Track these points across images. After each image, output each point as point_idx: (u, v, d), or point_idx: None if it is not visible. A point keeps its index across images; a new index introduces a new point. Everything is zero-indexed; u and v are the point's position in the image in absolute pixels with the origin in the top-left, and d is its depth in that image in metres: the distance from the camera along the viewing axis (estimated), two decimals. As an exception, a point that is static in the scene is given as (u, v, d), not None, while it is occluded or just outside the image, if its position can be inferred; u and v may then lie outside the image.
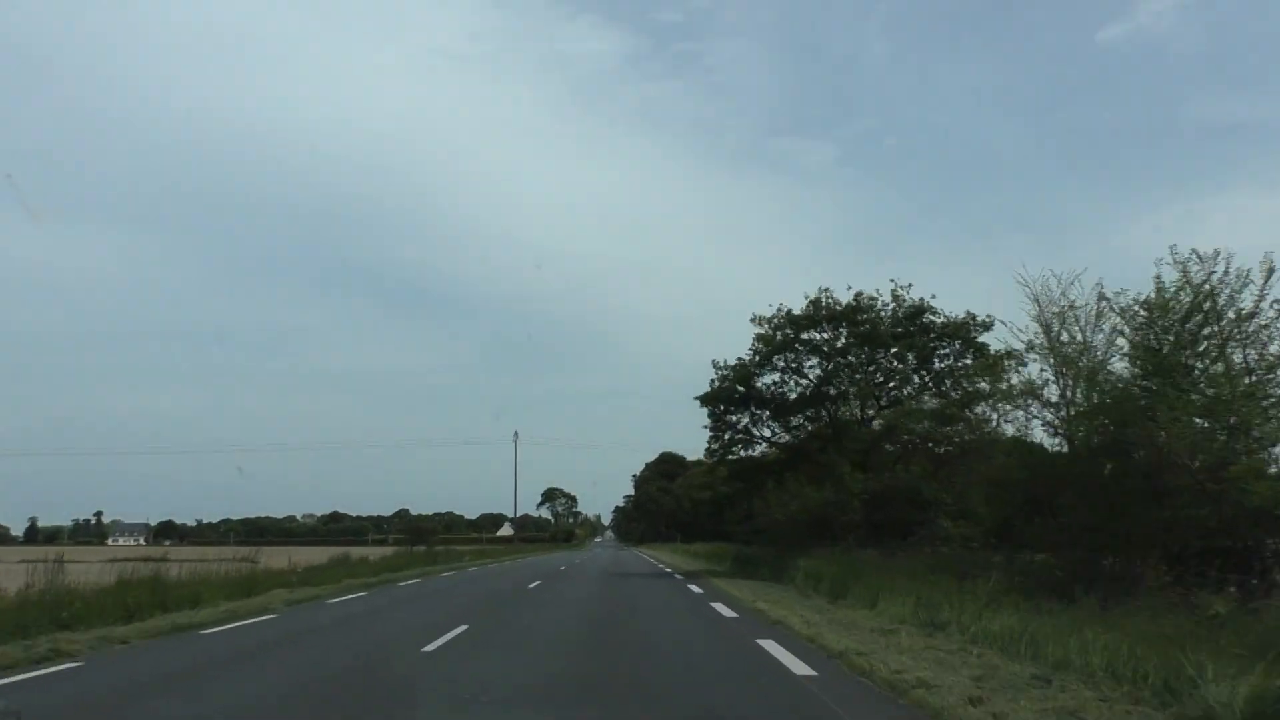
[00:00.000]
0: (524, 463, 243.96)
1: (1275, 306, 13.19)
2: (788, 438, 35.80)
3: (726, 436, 36.15)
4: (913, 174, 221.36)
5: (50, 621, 12.92)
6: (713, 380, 35.80)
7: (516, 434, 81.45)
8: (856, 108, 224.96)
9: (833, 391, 34.03)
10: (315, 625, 15.44)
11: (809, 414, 34.92)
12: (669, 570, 38.97)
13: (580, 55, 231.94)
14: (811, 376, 34.53)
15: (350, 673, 10.15)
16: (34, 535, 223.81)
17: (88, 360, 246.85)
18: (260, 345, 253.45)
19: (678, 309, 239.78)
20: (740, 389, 35.23)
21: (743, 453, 36.27)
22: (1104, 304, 15.35)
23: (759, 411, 35.64)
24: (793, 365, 34.76)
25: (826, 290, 33.31)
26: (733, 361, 35.60)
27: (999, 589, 13.80)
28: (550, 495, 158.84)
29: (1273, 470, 13.16)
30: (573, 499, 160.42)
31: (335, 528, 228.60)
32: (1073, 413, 16.14)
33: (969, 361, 30.20)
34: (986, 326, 30.48)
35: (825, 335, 33.80)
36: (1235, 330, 13.45)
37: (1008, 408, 17.70)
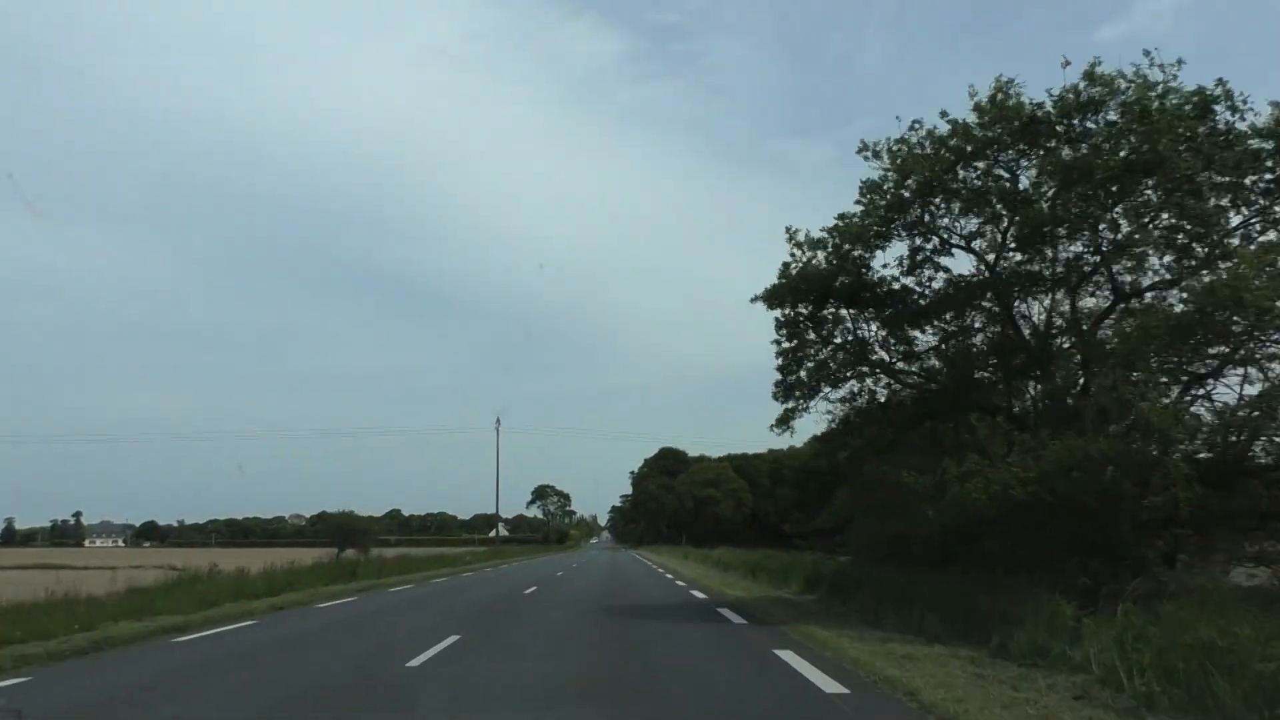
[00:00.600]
0: (519, 462, 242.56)
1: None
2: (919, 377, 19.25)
3: (813, 363, 19.26)
4: None
5: None
6: (789, 265, 18.50)
7: (499, 420, 72.93)
8: (855, 109, 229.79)
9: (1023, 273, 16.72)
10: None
11: (963, 321, 18.28)
12: (701, 595, 23.68)
13: (578, 55, 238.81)
14: (978, 249, 17.11)
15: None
16: (11, 536, 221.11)
17: (79, 359, 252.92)
18: (254, 344, 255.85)
19: (675, 308, 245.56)
20: (844, 277, 18.02)
21: (844, 397, 19.90)
22: None
23: (865, 319, 18.90)
24: (935, 231, 17.14)
25: (1008, 83, 15.27)
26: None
27: None
28: (541, 493, 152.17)
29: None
30: (565, 497, 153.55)
31: (323, 528, 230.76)
32: None
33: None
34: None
35: (1005, 164, 15.87)
36: None
37: None
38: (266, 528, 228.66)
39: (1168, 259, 14.95)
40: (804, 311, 18.84)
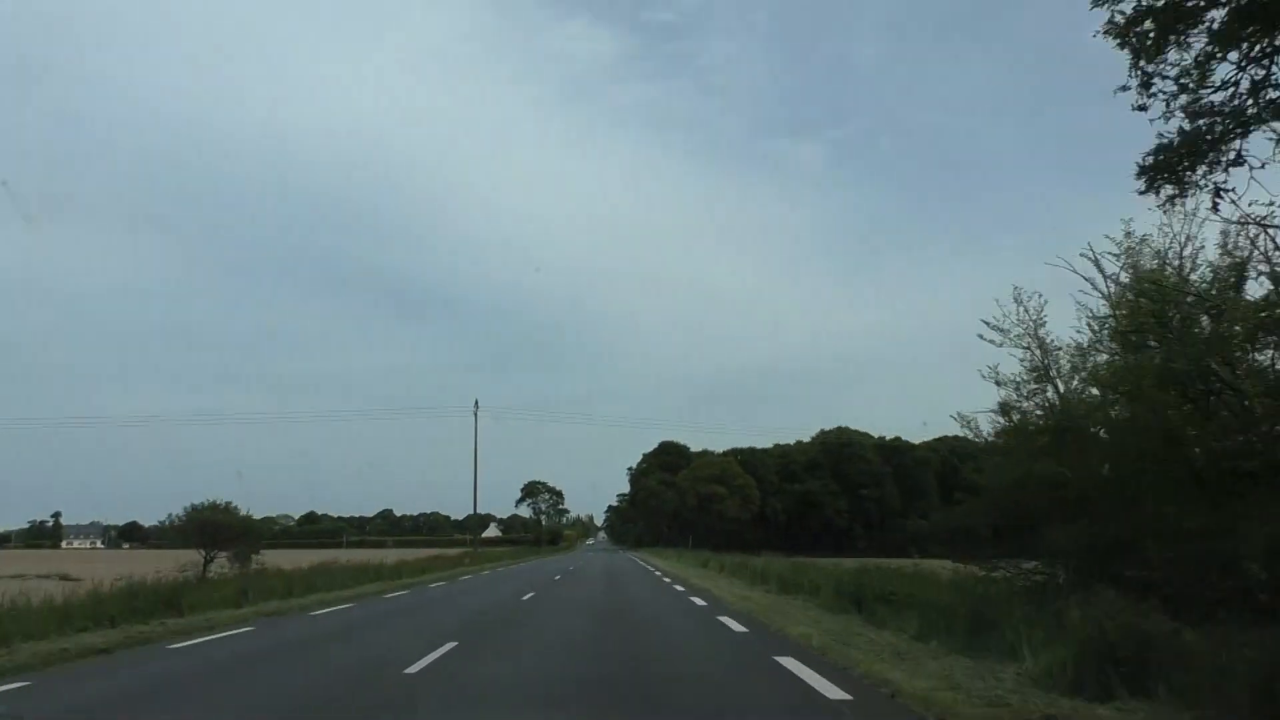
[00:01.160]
0: (512, 460, 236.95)
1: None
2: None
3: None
4: (907, 175, 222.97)
5: None
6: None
7: (477, 403, 64.89)
8: (850, 108, 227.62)
9: None
10: None
11: None
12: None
13: (572, 55, 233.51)
14: None
15: None
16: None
17: (72, 358, 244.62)
18: (249, 344, 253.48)
19: (671, 308, 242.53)
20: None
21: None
22: None
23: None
24: None
25: None
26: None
27: None
28: (531, 490, 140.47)
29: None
30: (558, 494, 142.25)
31: (311, 529, 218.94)
32: None
33: None
34: None
35: None
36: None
37: None
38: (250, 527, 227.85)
39: None
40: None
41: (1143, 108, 8.63)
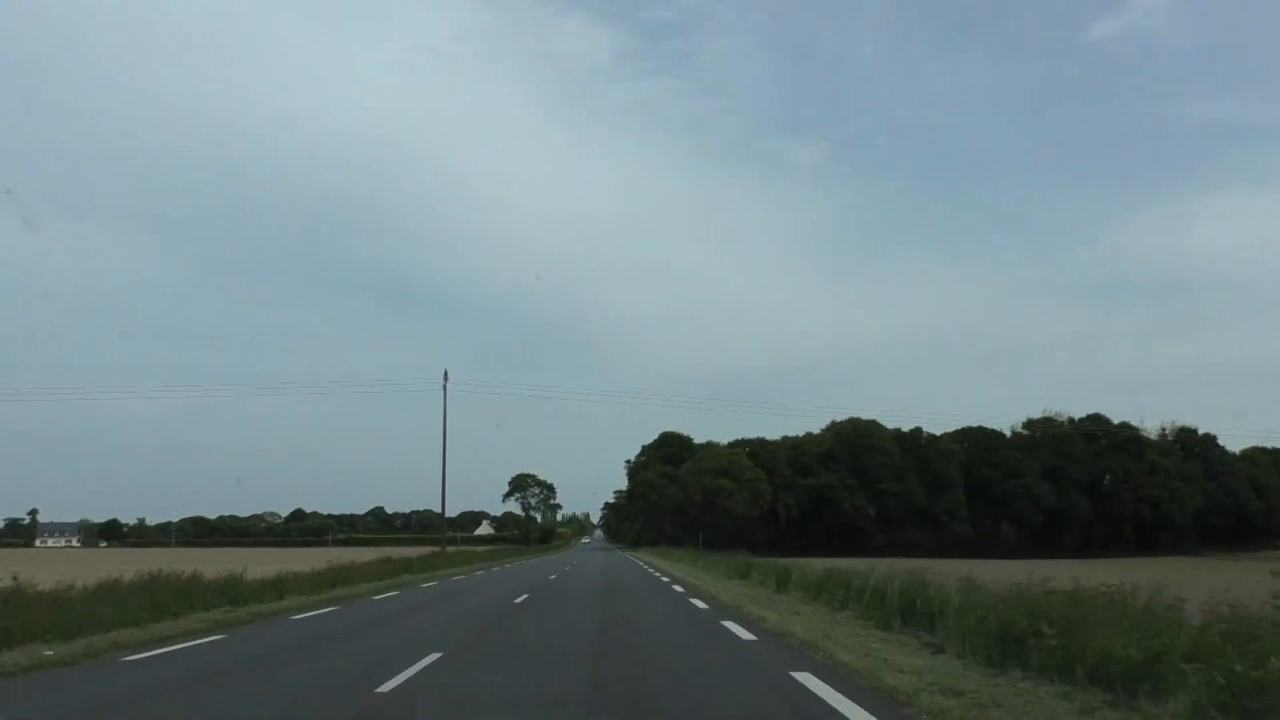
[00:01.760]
0: (507, 458, 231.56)
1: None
2: None
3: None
4: (905, 173, 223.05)
5: None
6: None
7: (446, 374, 55.15)
8: (849, 107, 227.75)
9: None
10: None
11: None
12: None
13: (571, 53, 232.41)
14: None
15: None
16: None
17: (65, 356, 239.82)
18: (244, 343, 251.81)
19: (669, 306, 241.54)
20: None
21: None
22: None
23: None
24: None
25: None
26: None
27: None
28: (520, 483, 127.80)
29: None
30: (549, 488, 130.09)
31: (297, 526, 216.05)
32: None
33: None
34: None
35: None
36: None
37: None
38: (237, 526, 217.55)
39: None
40: None
41: None
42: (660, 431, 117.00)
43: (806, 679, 9.45)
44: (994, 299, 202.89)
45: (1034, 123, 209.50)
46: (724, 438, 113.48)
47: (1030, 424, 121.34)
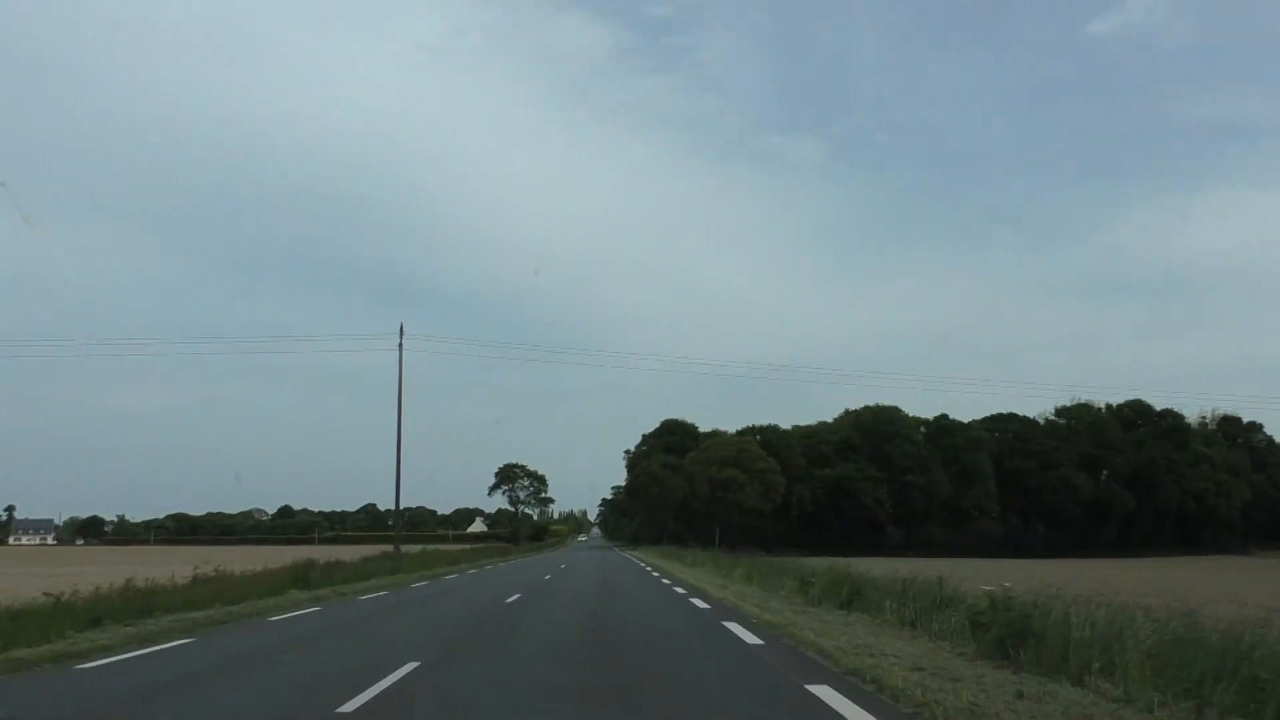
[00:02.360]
0: (499, 455, 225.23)
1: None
2: None
3: None
4: (904, 171, 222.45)
5: None
6: None
7: (402, 329, 45.25)
8: (848, 105, 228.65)
9: None
10: None
11: None
12: None
13: (569, 50, 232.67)
14: None
15: None
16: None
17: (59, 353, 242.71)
18: (238, 341, 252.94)
19: (668, 303, 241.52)
20: None
21: None
22: None
23: None
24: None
25: None
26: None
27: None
28: (507, 475, 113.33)
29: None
30: (540, 480, 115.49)
31: (284, 524, 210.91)
32: None
33: None
34: None
35: None
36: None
37: None
38: (223, 524, 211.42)
39: None
40: None
41: None
42: (662, 420, 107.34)
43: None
44: (993, 297, 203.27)
45: (1033, 120, 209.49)
46: (731, 427, 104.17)
47: (1063, 411, 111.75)
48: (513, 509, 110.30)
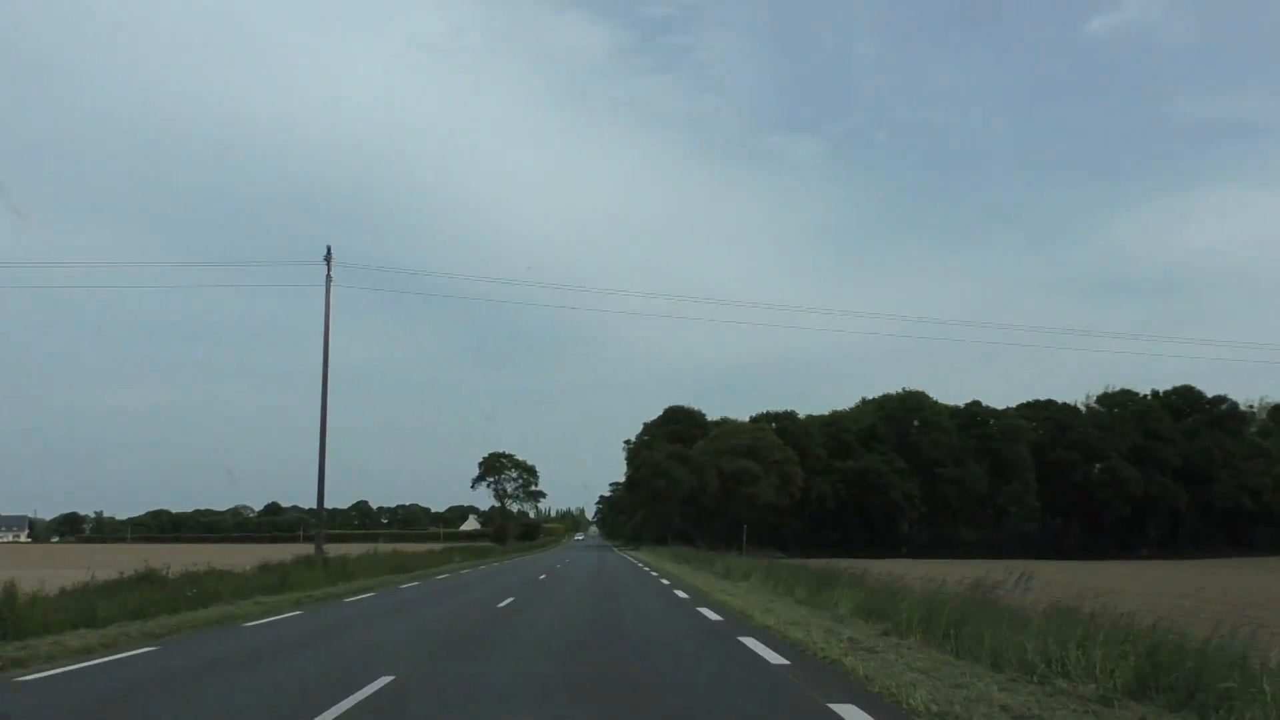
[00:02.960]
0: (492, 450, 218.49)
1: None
2: None
3: None
4: (903, 170, 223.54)
5: None
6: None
7: (329, 251, 35.01)
8: (847, 104, 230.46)
9: None
10: None
11: None
12: None
13: (568, 49, 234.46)
14: None
15: None
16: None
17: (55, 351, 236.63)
18: (235, 338, 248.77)
19: (667, 302, 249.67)
20: None
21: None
22: None
23: None
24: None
25: None
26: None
27: None
28: (492, 466, 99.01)
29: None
30: (530, 472, 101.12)
31: (271, 521, 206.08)
32: None
33: None
34: None
35: None
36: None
37: None
38: (205, 521, 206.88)
39: None
40: None
41: None
42: (666, 407, 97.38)
43: None
44: (992, 296, 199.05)
45: (1032, 119, 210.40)
46: (740, 417, 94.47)
47: (1105, 399, 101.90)
48: (499, 503, 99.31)
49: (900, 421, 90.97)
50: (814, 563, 28.28)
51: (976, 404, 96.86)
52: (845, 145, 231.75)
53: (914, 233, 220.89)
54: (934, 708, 6.90)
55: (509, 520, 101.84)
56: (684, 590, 21.29)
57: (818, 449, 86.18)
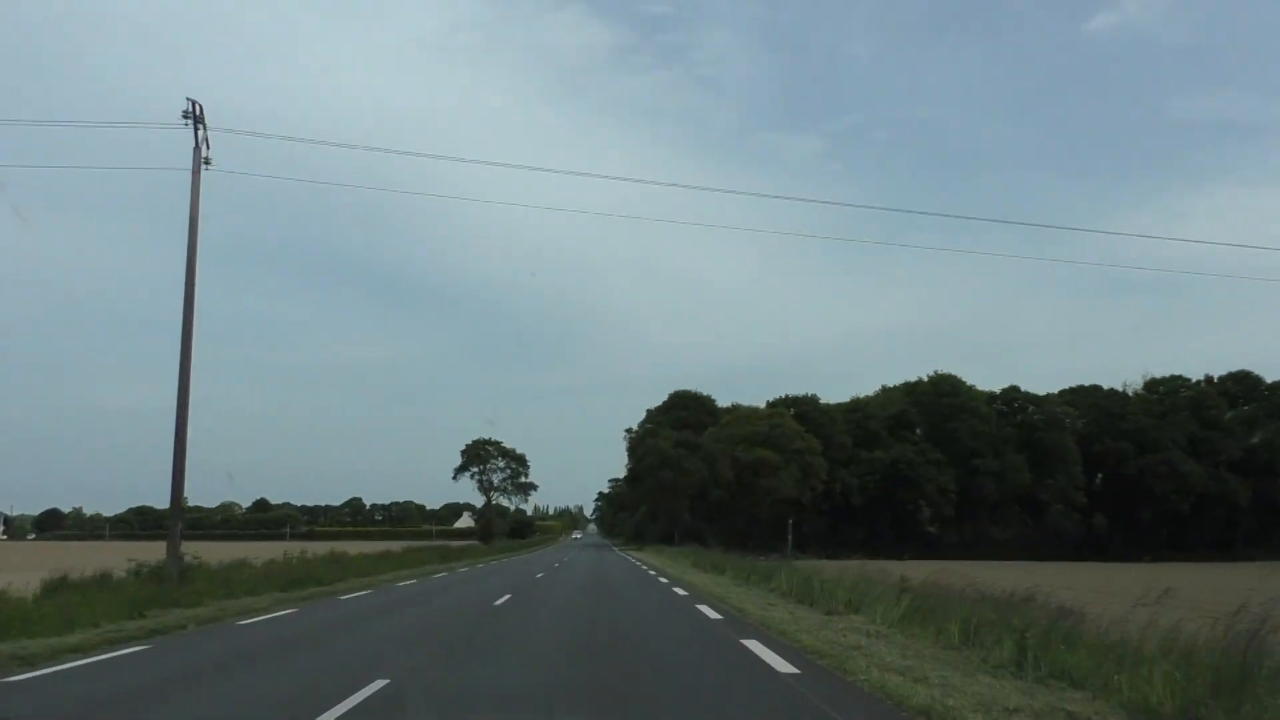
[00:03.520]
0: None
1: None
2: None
3: None
4: (900, 168, 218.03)
5: None
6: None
7: (195, 107, 25.03)
8: (845, 101, 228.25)
9: None
10: None
11: None
12: None
13: (566, 46, 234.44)
14: None
15: None
16: None
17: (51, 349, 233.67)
18: (233, 335, 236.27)
19: (665, 301, 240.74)
20: None
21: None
22: None
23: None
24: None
25: None
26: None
27: None
28: (476, 454, 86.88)
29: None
30: (520, 461, 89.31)
31: (259, 518, 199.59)
32: None
33: None
34: None
35: None
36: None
37: None
38: (188, 518, 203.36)
39: None
40: None
41: None
42: (671, 392, 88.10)
43: None
44: (990, 294, 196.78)
45: (1028, 118, 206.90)
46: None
47: (1153, 385, 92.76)
48: (485, 496, 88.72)
49: (932, 407, 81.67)
50: (869, 566, 20.36)
51: (1014, 389, 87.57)
52: (843, 143, 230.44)
53: (911, 229, 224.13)
54: None
55: (496, 516, 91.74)
56: (763, 642, 11.59)
57: (842, 437, 76.99)
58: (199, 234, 22.29)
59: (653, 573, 31.46)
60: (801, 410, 78.74)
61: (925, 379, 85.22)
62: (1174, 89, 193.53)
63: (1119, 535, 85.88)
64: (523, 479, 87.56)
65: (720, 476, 67.44)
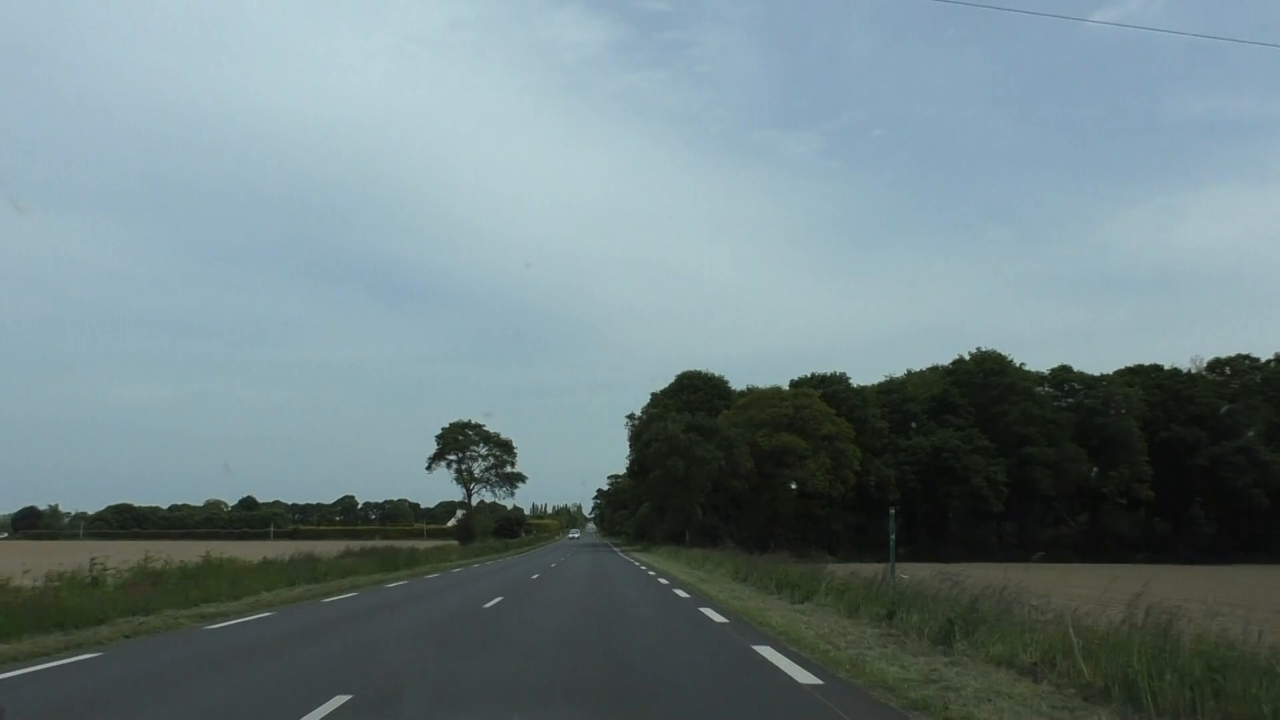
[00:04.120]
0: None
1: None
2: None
3: None
4: (899, 166, 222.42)
5: None
6: None
7: None
8: (843, 100, 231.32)
9: None
10: None
11: None
12: None
13: (564, 44, 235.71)
14: None
15: None
16: None
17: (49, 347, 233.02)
18: (232, 334, 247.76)
19: (663, 298, 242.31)
20: None
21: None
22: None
23: None
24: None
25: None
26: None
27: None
28: (453, 440, 76.18)
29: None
30: (505, 447, 78.08)
31: (242, 516, 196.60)
32: None
33: None
34: None
35: None
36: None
37: None
38: (171, 516, 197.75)
39: None
40: None
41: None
42: (679, 373, 78.12)
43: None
44: (987, 293, 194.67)
45: (1027, 117, 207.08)
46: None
47: (1217, 365, 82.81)
48: (463, 488, 77.39)
49: (978, 389, 71.67)
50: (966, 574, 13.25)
51: (1066, 369, 77.51)
52: (840, 141, 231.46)
53: (908, 229, 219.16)
54: None
55: (478, 513, 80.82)
56: None
57: (877, 422, 67.00)
58: None
59: (683, 594, 20.89)
60: (830, 390, 68.56)
61: (967, 356, 75.16)
62: (1172, 88, 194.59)
63: (1185, 534, 76.23)
64: (509, 468, 76.57)
65: (740, 465, 57.39)
